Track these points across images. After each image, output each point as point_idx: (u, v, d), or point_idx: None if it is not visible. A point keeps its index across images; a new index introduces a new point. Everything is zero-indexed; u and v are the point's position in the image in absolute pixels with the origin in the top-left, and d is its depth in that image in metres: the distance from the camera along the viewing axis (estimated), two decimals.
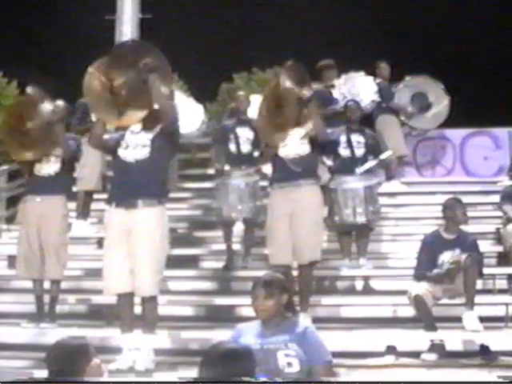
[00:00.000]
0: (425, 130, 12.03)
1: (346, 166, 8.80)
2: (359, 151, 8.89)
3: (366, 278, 8.86)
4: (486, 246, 9.04)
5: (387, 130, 11.43)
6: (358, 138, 8.92)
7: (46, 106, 7.90)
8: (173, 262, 9.57)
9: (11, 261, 9.22)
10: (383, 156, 9.04)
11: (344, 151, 8.88)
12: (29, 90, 9.63)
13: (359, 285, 8.94)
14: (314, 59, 10.84)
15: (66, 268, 7.78)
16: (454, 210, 7.55)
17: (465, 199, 8.16)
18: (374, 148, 9.02)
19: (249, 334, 4.83)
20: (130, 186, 6.38)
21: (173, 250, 10.05)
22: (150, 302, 6.45)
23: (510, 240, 8.83)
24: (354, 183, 8.64)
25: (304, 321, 5.55)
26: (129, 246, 6.34)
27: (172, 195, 11.48)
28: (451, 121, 12.06)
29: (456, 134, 12.57)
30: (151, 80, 6.34)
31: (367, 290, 8.77)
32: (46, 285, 7.72)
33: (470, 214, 7.93)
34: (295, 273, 7.45)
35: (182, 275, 9.18)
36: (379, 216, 9.04)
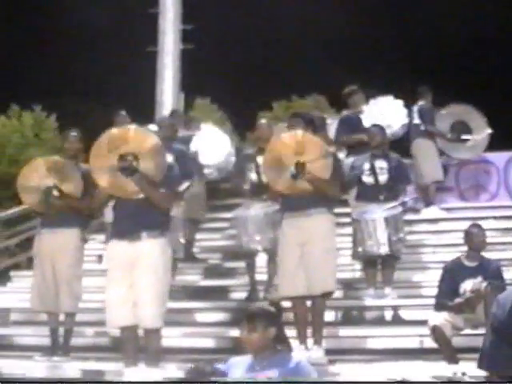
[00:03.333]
0: (462, 159, 11.81)
1: (370, 194, 8.61)
2: (383, 177, 8.66)
3: (395, 308, 8.61)
4: None
5: (423, 154, 11.26)
6: (381, 164, 8.70)
7: None
8: (203, 293, 9.63)
9: None
10: None
11: (367, 178, 8.68)
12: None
13: (388, 315, 8.69)
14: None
15: (82, 300, 7.75)
16: (471, 237, 7.31)
17: (510, 224, 7.86)
18: (399, 173, 8.78)
19: (239, 368, 4.72)
20: (132, 219, 6.38)
21: (204, 280, 10.16)
22: (153, 334, 6.38)
23: None
24: (376, 213, 8.43)
25: (298, 354, 5.37)
26: (131, 279, 6.31)
27: (204, 225, 11.61)
28: (494, 143, 11.77)
29: (499, 157, 12.21)
30: (135, 181, 6.28)
31: (395, 321, 8.52)
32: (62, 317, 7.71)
33: None
34: (286, 304, 7.26)
35: (211, 307, 9.10)
36: (404, 245, 8.79)
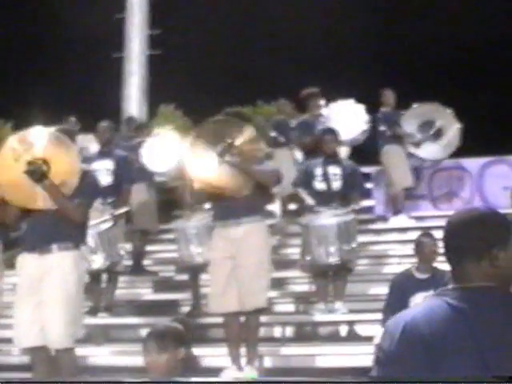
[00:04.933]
0: (436, 160, 11.16)
1: (322, 201, 8.07)
2: (336, 184, 8.14)
3: (350, 324, 8.05)
4: None
5: (391, 161, 10.72)
6: (334, 170, 8.17)
7: None
8: (152, 308, 9.11)
9: None
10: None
11: (320, 185, 8.15)
12: None
13: (343, 331, 8.13)
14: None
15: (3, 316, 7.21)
16: (421, 247, 6.76)
17: None
18: (353, 181, 8.24)
19: None
20: (43, 231, 5.81)
21: (154, 294, 9.63)
22: (64, 354, 5.80)
23: None
24: (326, 219, 7.85)
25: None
26: (40, 295, 5.75)
27: (160, 236, 11.09)
28: (468, 149, 11.21)
29: (473, 163, 11.64)
30: (44, 187, 5.68)
31: (349, 337, 7.97)
32: None
33: None
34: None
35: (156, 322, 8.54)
36: (357, 256, 8.23)
